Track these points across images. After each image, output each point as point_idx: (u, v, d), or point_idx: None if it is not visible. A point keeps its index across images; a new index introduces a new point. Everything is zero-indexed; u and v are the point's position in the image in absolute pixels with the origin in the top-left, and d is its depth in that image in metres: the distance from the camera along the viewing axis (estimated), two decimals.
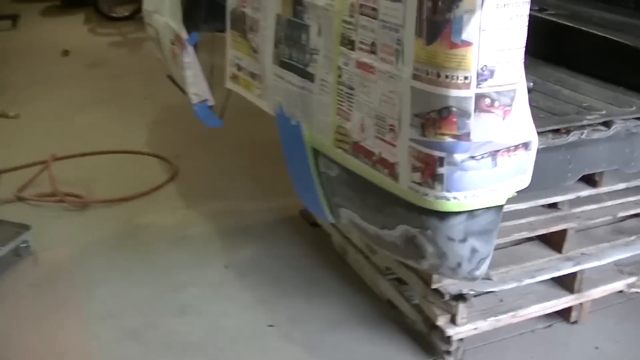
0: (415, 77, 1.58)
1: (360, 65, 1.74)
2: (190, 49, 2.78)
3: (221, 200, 3.33)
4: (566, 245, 2.30)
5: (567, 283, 2.35)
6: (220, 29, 2.50)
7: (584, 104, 2.06)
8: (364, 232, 1.96)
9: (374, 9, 1.67)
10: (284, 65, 2.06)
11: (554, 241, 2.32)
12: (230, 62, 2.45)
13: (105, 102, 4.58)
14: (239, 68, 2.39)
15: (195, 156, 3.79)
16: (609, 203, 2.33)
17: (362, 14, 1.71)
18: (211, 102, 2.87)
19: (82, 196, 3.28)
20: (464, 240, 1.69)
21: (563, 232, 2.27)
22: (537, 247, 2.34)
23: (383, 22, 1.65)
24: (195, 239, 3.00)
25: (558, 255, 2.31)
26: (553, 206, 2.26)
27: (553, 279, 2.32)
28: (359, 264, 2.68)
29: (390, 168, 1.71)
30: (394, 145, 1.68)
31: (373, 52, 1.70)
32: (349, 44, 1.77)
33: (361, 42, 1.73)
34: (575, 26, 2.43)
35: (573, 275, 2.32)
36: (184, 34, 2.75)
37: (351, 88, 1.79)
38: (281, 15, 2.05)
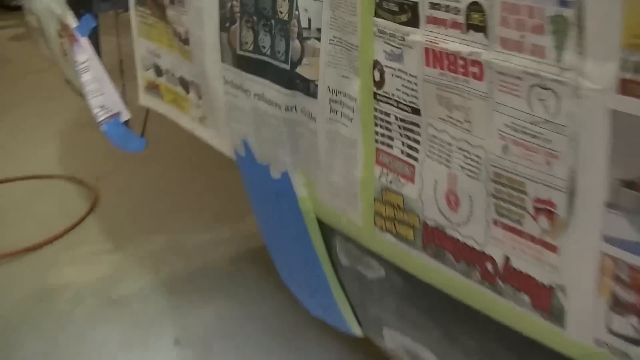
0: (625, 88, 0.53)
1: (436, 59, 0.68)
2: (84, 42, 1.74)
3: (159, 233, 2.53)
4: None
5: None
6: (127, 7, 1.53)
7: None
8: None
9: None
10: (244, 64, 0.97)
11: None
12: (142, 62, 1.34)
13: (3, 111, 3.83)
14: (159, 72, 1.28)
15: (120, 173, 3.02)
16: None
17: None
18: (126, 116, 1.84)
19: None
20: None
21: None
22: None
23: None
24: (130, 300, 2.19)
25: None
26: None
27: None
28: None
29: (541, 295, 0.67)
30: (552, 249, 0.64)
31: (473, 28, 0.64)
32: (399, 11, 0.71)
33: (436, 6, 0.67)
34: None
35: None
36: (72, 21, 1.68)
37: (414, 110, 0.73)
38: None
